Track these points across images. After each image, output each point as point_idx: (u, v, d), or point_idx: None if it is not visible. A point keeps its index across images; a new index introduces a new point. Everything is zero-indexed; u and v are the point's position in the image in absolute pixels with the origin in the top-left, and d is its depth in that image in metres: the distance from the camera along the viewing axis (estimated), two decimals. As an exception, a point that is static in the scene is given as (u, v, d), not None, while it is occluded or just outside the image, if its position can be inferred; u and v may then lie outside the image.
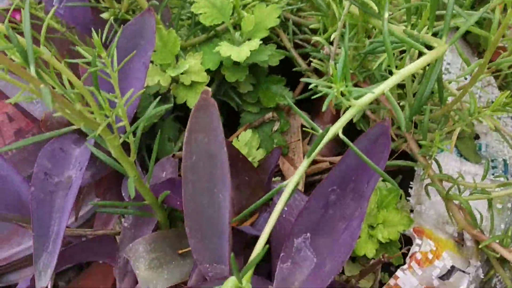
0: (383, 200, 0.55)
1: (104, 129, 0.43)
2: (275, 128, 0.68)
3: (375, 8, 0.49)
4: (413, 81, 0.58)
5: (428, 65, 0.45)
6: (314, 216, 0.41)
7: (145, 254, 0.48)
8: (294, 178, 0.38)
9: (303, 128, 0.70)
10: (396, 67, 0.41)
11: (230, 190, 0.40)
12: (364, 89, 0.39)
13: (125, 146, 0.49)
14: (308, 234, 0.42)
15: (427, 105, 0.55)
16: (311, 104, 0.73)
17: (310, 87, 0.66)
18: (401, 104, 0.56)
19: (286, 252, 0.42)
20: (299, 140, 0.66)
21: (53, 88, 0.40)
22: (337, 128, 0.39)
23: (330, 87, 0.38)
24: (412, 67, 0.40)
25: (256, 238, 0.39)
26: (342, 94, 0.39)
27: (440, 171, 0.55)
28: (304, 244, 0.42)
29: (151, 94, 0.65)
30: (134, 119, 0.64)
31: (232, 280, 0.33)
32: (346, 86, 0.38)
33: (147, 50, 0.57)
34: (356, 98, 0.39)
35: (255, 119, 0.68)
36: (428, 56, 0.41)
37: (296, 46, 0.69)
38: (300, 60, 0.68)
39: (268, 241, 0.49)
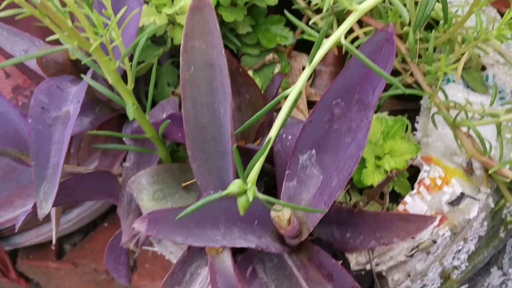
0: (389, 130, 0.53)
1: (99, 52, 0.41)
2: (276, 70, 0.66)
3: None
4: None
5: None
6: (318, 131, 0.40)
7: (148, 186, 0.47)
8: (297, 87, 0.37)
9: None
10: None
11: (230, 103, 0.38)
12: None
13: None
14: (314, 151, 0.41)
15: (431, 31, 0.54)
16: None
17: (310, 23, 0.64)
18: (404, 30, 0.55)
19: (291, 170, 0.41)
20: (301, 79, 0.65)
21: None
22: (339, 34, 0.37)
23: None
24: None
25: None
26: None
27: (446, 98, 0.53)
28: (309, 162, 0.41)
29: (148, 37, 0.64)
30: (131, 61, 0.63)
31: (236, 182, 0.32)
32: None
33: (142, -14, 0.55)
34: (359, 2, 0.37)
35: (256, 62, 0.67)
36: None
37: (295, -15, 0.67)
38: (300, -1, 0.66)
39: (273, 164, 0.48)
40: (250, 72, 0.64)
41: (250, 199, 0.32)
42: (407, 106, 0.66)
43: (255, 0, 0.63)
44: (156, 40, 0.65)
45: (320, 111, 0.40)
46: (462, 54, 0.56)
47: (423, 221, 0.44)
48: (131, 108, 0.43)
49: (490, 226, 0.55)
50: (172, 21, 0.62)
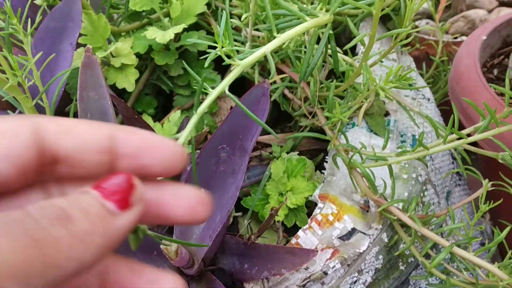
0: (293, 169, 0.59)
1: (17, 90, 0.46)
2: (205, 109, 0.72)
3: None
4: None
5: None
6: (207, 172, 0.45)
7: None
8: (187, 129, 0.41)
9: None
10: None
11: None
12: (248, 50, 0.43)
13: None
14: (202, 190, 0.45)
15: (333, 81, 0.60)
16: (243, 88, 0.78)
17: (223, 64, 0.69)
18: (307, 80, 0.61)
19: (181, 206, 0.46)
20: (225, 119, 0.70)
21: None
22: (223, 85, 0.42)
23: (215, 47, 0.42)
24: (292, 32, 0.44)
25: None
26: (229, 57, 0.43)
27: (347, 141, 0.59)
28: (198, 199, 0.46)
29: (85, 77, 0.69)
30: (65, 98, 0.68)
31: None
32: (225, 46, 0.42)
33: (74, 32, 0.61)
34: (241, 58, 0.43)
35: (187, 102, 0.72)
36: (308, 23, 0.45)
37: (226, 33, 0.73)
38: (228, 46, 0.72)
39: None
40: (179, 112, 0.70)
41: (141, 236, 0.35)
42: (324, 146, 0.71)
43: (187, 45, 0.69)
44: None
45: (207, 154, 0.45)
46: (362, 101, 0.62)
47: (306, 254, 0.49)
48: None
49: (387, 259, 0.60)
50: (107, 63, 0.68)
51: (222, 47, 0.41)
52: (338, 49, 0.62)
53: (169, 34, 0.64)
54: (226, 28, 0.40)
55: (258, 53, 0.43)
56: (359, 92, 0.56)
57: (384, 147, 0.57)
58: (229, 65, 0.76)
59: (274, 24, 0.54)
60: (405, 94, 0.72)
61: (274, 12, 0.53)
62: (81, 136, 0.24)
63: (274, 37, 0.50)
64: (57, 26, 0.60)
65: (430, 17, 1.24)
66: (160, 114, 0.75)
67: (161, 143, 0.25)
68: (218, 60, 0.74)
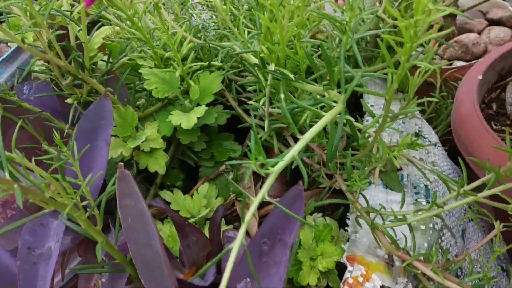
0: (320, 234, 0.64)
1: (72, 208, 0.52)
2: (230, 178, 0.77)
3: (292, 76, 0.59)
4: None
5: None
6: (252, 263, 0.51)
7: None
8: (237, 241, 0.47)
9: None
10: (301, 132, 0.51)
11: (159, 240, 0.48)
12: (275, 159, 0.48)
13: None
14: (249, 279, 0.51)
15: (348, 149, 0.65)
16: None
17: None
18: (326, 151, 0.66)
19: (231, 296, 0.51)
20: (249, 187, 0.76)
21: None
22: (263, 193, 0.47)
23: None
24: (313, 130, 0.49)
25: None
26: (262, 166, 0.48)
27: (367, 203, 0.64)
28: (246, 288, 0.51)
29: (118, 161, 0.75)
30: (103, 187, 0.74)
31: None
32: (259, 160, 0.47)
33: (107, 129, 0.66)
34: (273, 165, 0.48)
35: (212, 172, 0.78)
36: (326, 118, 0.50)
37: (241, 103, 0.79)
38: (245, 117, 0.78)
39: None
40: (207, 184, 0.75)
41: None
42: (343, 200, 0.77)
43: (206, 123, 0.75)
44: (125, 163, 0.76)
45: (252, 248, 0.51)
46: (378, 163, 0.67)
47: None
48: (99, 249, 0.54)
49: (416, 306, 0.65)
50: (137, 147, 0.73)
51: (256, 158, 0.46)
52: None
53: (193, 119, 0.70)
54: (256, 145, 0.46)
55: (286, 159, 0.48)
56: (373, 158, 0.62)
57: (401, 206, 0.62)
58: (247, 132, 0.82)
59: (289, 109, 0.60)
60: (413, 143, 0.77)
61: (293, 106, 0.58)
62: None
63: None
64: (91, 126, 0.66)
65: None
66: (187, 185, 0.80)
67: None
68: (237, 129, 0.80)
